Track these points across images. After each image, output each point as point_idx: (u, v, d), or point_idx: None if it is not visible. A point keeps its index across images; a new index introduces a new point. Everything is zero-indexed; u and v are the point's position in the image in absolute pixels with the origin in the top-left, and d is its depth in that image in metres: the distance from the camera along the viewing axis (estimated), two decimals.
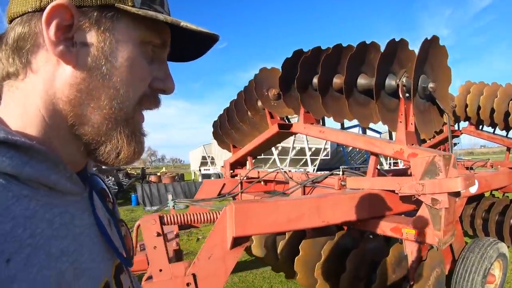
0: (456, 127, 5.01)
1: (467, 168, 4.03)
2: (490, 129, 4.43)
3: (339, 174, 2.66)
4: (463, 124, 4.82)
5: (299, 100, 2.77)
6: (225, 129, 4.31)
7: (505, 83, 4.08)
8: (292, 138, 14.20)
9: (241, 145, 4.10)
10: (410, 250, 2.09)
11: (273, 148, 12.08)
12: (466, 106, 4.46)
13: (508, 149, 4.12)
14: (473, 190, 3.14)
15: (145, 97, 0.52)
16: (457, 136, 4.97)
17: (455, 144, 4.74)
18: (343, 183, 2.56)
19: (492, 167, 4.24)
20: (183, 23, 0.49)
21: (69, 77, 0.45)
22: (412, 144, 2.25)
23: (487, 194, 4.42)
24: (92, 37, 0.46)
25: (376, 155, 2.50)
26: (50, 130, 0.46)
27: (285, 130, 3.34)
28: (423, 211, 2.01)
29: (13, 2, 0.46)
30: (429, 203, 1.95)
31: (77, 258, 0.43)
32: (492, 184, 3.56)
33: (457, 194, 1.92)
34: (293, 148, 16.32)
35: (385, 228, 2.19)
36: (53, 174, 0.42)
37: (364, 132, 3.98)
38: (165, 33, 0.52)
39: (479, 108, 4.30)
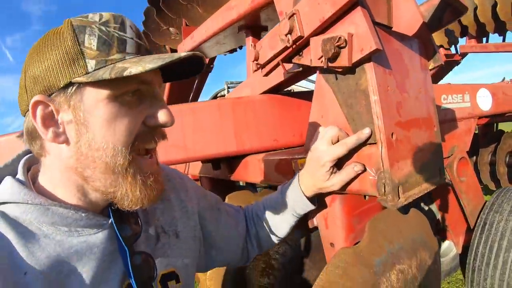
0: (453, 50, 3.63)
1: None
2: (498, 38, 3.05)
3: None
4: (462, 42, 3.43)
5: None
6: None
7: None
8: None
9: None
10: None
11: None
12: None
13: None
14: (486, 106, 1.82)
15: (141, 140, 0.56)
16: (458, 63, 3.59)
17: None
18: None
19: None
20: (149, 66, 0.49)
21: (67, 153, 0.54)
22: None
23: (508, 130, 3.04)
24: (69, 114, 0.52)
25: None
26: (71, 190, 0.57)
27: None
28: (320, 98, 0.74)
29: (19, 102, 0.57)
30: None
31: (84, 278, 0.54)
32: None
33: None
34: None
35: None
36: (66, 219, 0.54)
37: None
38: (142, 74, 0.50)
39: (475, 9, 2.93)
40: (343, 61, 0.69)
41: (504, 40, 2.98)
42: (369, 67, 0.69)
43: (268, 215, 0.90)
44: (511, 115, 2.70)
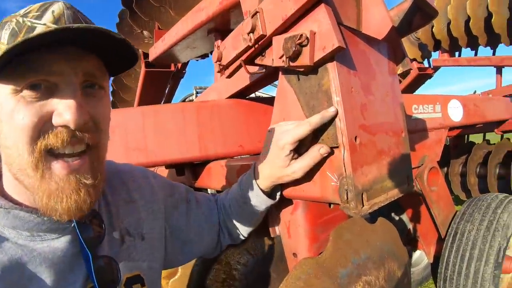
0: (426, 64, 3.71)
1: None
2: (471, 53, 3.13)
3: None
4: (435, 56, 3.50)
5: None
6: None
7: None
8: None
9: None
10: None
11: None
12: (432, 27, 3.16)
13: (499, 71, 2.81)
14: (457, 117, 1.83)
15: (45, 140, 0.50)
16: (430, 76, 3.66)
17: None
18: None
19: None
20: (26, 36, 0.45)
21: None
22: None
23: (479, 141, 3.10)
24: None
25: None
26: (25, 191, 0.54)
27: None
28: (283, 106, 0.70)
29: None
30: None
31: (46, 282, 0.53)
32: (485, 113, 2.24)
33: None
34: None
35: None
36: (28, 223, 0.53)
37: None
38: (44, 62, 0.48)
39: (449, 23, 3.00)
40: (304, 59, 0.65)
41: (476, 54, 3.06)
42: (331, 66, 0.64)
43: (232, 207, 0.85)
44: (481, 127, 2.75)
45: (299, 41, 0.64)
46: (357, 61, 0.71)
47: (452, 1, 2.93)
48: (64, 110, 0.49)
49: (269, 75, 0.95)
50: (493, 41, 2.82)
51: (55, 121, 0.50)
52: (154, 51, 1.86)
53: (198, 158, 1.11)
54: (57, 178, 0.51)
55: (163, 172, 1.46)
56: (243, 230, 0.86)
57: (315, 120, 0.65)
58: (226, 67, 0.87)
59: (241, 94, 1.14)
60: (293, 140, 0.67)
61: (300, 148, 0.70)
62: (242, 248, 1.04)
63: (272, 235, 0.88)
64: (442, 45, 3.19)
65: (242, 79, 1.06)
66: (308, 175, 0.71)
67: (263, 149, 0.76)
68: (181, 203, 0.83)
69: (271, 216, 0.89)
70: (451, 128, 2.13)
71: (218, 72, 0.91)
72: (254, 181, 0.77)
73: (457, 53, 3.30)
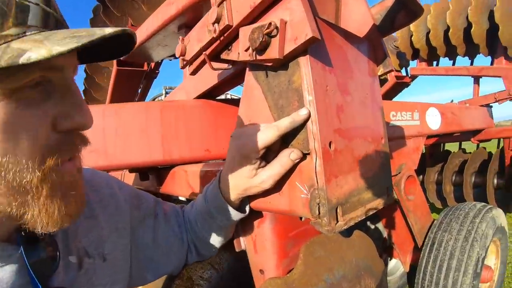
0: (403, 73, 3.71)
1: None
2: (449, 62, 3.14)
3: None
4: (414, 65, 3.51)
5: None
6: None
7: None
8: None
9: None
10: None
11: None
12: (411, 36, 3.16)
13: (477, 80, 2.82)
14: (435, 125, 1.79)
15: (53, 151, 0.41)
16: (408, 85, 3.66)
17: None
18: None
19: None
20: (58, 49, 0.34)
21: None
22: None
23: (454, 150, 3.11)
24: None
25: None
26: None
27: None
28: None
29: None
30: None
31: None
32: (463, 121, 2.22)
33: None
34: None
35: None
36: None
37: None
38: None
39: (428, 33, 3.00)
40: (273, 52, 0.56)
41: (454, 64, 3.06)
42: (304, 61, 0.56)
43: (199, 222, 0.75)
44: (458, 136, 2.75)
45: (267, 30, 0.55)
46: (334, 57, 0.62)
47: (432, 10, 2.93)
48: (76, 112, 0.42)
49: (239, 74, 0.86)
50: (471, 51, 2.83)
51: (66, 125, 0.42)
52: None
53: (162, 162, 1.00)
54: (67, 182, 0.44)
55: (129, 177, 1.35)
56: (212, 247, 0.77)
57: (284, 123, 0.56)
58: (190, 62, 0.78)
59: (210, 94, 1.05)
60: (258, 147, 0.57)
61: (268, 155, 0.61)
62: (205, 262, 0.94)
63: (236, 249, 0.79)
64: (421, 54, 3.19)
65: (210, 77, 0.96)
66: (276, 185, 0.61)
67: (227, 156, 0.66)
68: (149, 217, 0.73)
69: (235, 227, 0.79)
70: (429, 136, 2.11)
71: (182, 68, 0.81)
72: (219, 194, 0.68)
73: (435, 63, 3.31)
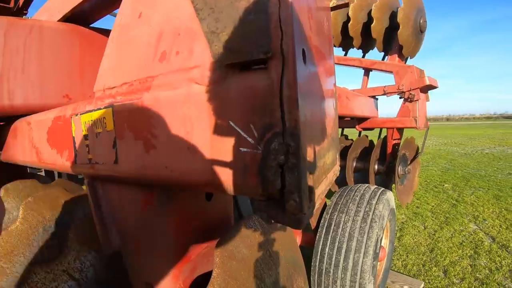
0: None
1: None
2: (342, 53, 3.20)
3: None
4: None
5: None
6: None
7: None
8: None
9: None
10: None
11: None
12: None
13: (367, 73, 2.93)
14: None
15: None
16: None
17: None
18: None
19: None
20: None
21: None
22: None
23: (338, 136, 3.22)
24: None
25: None
26: None
27: None
28: None
29: None
30: None
31: None
32: (355, 107, 2.23)
33: None
34: None
35: None
36: None
37: None
38: None
39: None
40: None
41: (346, 55, 3.13)
42: None
43: None
44: (344, 121, 2.83)
45: None
46: None
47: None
48: None
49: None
50: (366, 45, 2.92)
51: None
52: None
53: None
54: None
55: None
56: None
57: None
58: None
59: (81, 19, 0.65)
60: None
61: None
62: (58, 270, 0.57)
63: (104, 251, 0.45)
64: None
65: None
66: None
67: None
68: None
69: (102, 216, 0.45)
70: None
71: None
72: None
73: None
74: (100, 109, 0.47)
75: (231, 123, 0.28)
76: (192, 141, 0.31)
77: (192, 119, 0.31)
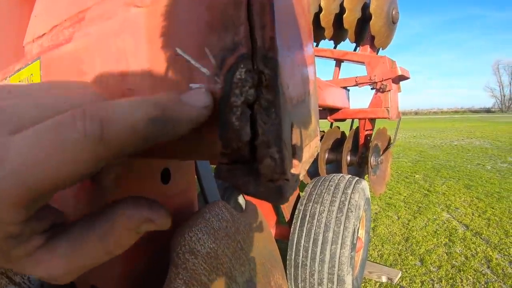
0: None
1: None
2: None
3: None
4: None
5: None
6: None
7: None
8: None
9: None
10: None
11: None
12: None
13: (338, 64, 2.90)
14: None
15: None
16: None
17: None
18: None
19: None
20: None
21: None
22: None
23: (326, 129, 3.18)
24: None
25: None
26: None
27: None
28: None
29: None
30: None
31: None
32: (326, 97, 2.18)
33: None
34: None
35: None
36: None
37: None
38: None
39: None
40: None
41: (317, 46, 3.09)
42: None
43: None
44: (321, 112, 2.79)
45: None
46: None
47: None
48: None
49: None
50: (338, 36, 2.88)
51: None
52: None
53: None
54: None
55: None
56: None
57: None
58: None
59: None
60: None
61: None
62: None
63: None
64: None
65: None
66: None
67: None
68: None
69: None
70: None
71: None
72: None
73: None
74: (28, 64, 0.36)
75: (178, 50, 0.19)
76: (128, 84, 0.21)
77: (127, 53, 0.22)
